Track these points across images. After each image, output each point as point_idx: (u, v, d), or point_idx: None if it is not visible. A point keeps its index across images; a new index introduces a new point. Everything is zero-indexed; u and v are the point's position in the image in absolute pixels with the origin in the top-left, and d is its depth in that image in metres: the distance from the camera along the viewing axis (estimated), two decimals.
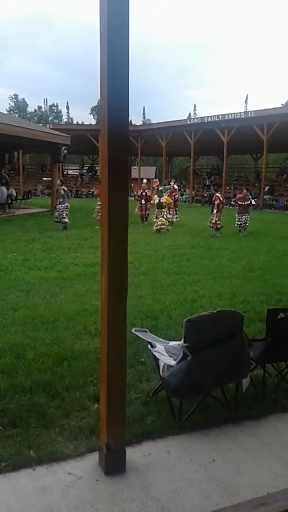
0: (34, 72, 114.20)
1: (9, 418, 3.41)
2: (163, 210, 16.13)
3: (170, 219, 17.43)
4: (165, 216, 16.14)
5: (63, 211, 15.94)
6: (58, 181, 17.88)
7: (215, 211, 15.52)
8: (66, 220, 15.95)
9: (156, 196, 16.90)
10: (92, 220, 17.01)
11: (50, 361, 4.42)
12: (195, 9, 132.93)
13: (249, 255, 11.56)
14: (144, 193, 18.42)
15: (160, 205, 16.15)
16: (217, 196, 16.27)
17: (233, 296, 7.12)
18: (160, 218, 15.92)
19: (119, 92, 2.56)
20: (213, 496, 2.74)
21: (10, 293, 7.17)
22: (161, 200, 16.35)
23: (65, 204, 16.11)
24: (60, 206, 16.08)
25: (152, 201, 17.94)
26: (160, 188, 18.84)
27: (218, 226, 15.35)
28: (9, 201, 22.11)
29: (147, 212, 18.35)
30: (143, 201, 18.28)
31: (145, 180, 20.48)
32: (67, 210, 16.08)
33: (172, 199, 17.67)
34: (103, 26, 2.50)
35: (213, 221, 15.41)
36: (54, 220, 16.23)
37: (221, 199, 16.39)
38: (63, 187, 17.20)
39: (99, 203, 16.53)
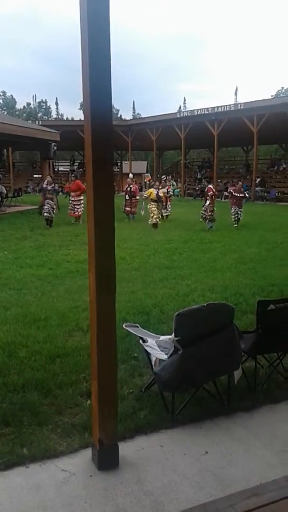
0: (22, 69, 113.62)
1: (1, 417, 3.40)
2: (158, 203, 16.00)
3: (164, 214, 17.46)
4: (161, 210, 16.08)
5: (53, 207, 15.50)
6: (49, 178, 16.61)
7: (207, 202, 15.47)
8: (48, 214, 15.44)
9: (153, 189, 16.56)
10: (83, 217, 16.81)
11: (43, 358, 4.42)
12: (184, 3, 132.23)
13: (241, 247, 11.60)
14: (128, 189, 18.06)
15: (159, 198, 16.12)
16: (209, 187, 16.25)
17: (225, 289, 7.14)
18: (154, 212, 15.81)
19: (101, 87, 2.54)
20: (207, 488, 2.76)
21: (1, 291, 7.14)
22: (159, 194, 16.30)
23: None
24: (53, 202, 15.53)
25: (137, 197, 17.84)
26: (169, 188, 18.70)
27: (213, 217, 15.33)
28: (0, 199, 22.01)
29: (132, 208, 17.99)
30: (127, 197, 17.94)
31: (130, 175, 20.19)
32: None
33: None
34: (83, 22, 2.48)
35: (208, 212, 15.33)
36: (49, 217, 15.38)
37: (214, 190, 16.39)
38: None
39: (72, 199, 16.57)
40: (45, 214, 15.36)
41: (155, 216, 15.82)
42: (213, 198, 15.63)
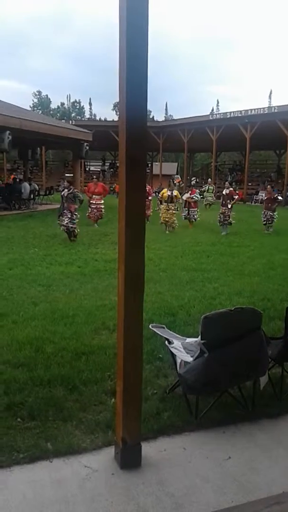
0: (58, 69, 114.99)
1: (27, 411, 3.47)
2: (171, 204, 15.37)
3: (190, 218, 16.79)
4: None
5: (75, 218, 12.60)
6: (66, 183, 13.69)
7: (229, 205, 15.00)
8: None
9: (166, 189, 15.94)
10: (112, 217, 15.60)
11: (69, 355, 4.48)
12: (217, 4, 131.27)
13: (270, 252, 11.44)
14: None
15: (171, 199, 15.55)
16: (232, 190, 15.89)
17: (253, 294, 7.06)
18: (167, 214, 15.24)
19: (137, 89, 2.56)
20: (228, 494, 2.74)
21: (31, 287, 7.27)
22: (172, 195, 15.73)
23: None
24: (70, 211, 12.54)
25: (150, 197, 17.39)
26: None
27: (231, 220, 14.96)
28: (32, 197, 22.38)
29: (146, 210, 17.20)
30: None
31: None
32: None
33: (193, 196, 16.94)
34: (122, 23, 2.51)
35: (225, 216, 14.91)
36: (64, 230, 12.51)
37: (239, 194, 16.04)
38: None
39: (95, 202, 15.80)
40: (62, 227, 12.56)
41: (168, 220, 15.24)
42: (235, 201, 15.26)
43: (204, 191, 25.39)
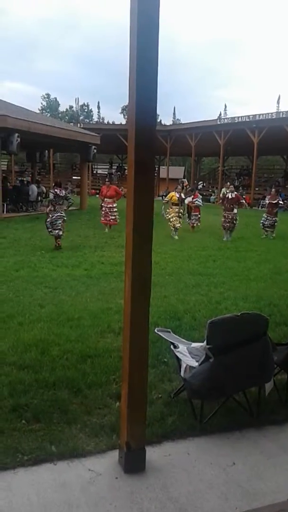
0: (66, 72, 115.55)
1: (32, 413, 3.47)
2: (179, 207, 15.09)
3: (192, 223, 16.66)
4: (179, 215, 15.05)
5: (56, 220, 11.69)
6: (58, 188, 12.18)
7: (235, 210, 14.63)
8: (59, 232, 11.66)
9: (174, 192, 15.49)
10: (119, 220, 15.39)
11: (74, 358, 4.48)
12: (224, 9, 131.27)
13: (277, 257, 11.40)
14: None
15: (181, 202, 15.33)
16: (237, 194, 15.69)
17: (258, 299, 7.04)
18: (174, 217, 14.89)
19: (147, 94, 2.56)
20: (232, 500, 2.72)
21: (38, 289, 7.29)
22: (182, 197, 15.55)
23: (58, 214, 11.79)
24: (52, 214, 11.75)
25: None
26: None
27: (235, 224, 14.70)
28: (39, 199, 22.47)
29: None
30: None
31: None
32: (62, 220, 11.84)
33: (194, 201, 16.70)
34: (133, 25, 2.52)
35: (233, 221, 14.60)
36: (48, 232, 11.89)
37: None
38: (56, 189, 11.98)
39: (109, 205, 15.34)
40: (55, 231, 11.65)
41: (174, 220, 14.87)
42: (243, 206, 15.13)
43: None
